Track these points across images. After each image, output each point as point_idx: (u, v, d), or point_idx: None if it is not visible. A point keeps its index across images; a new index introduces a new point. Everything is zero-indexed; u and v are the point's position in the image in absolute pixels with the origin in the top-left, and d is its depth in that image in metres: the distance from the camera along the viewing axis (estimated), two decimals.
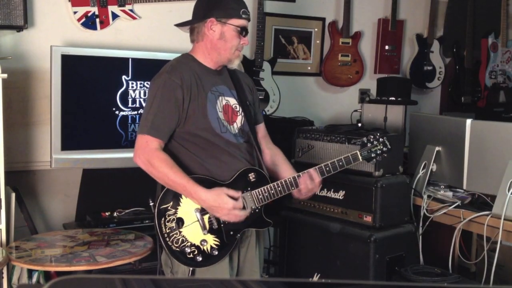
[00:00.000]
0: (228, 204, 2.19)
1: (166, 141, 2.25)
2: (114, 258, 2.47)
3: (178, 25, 2.43)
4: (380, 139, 2.37)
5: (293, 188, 2.33)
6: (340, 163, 2.35)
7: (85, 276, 0.89)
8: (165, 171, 2.18)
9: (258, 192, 2.30)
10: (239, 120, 2.38)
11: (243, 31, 2.32)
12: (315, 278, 2.91)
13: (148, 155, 2.19)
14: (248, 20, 2.35)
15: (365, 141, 2.38)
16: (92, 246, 2.63)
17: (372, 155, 2.37)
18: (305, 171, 2.33)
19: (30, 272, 2.78)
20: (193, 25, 2.37)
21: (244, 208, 2.25)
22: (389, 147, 2.39)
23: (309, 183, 2.31)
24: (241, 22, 2.31)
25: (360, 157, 2.36)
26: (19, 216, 2.95)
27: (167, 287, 0.88)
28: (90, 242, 2.70)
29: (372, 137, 2.38)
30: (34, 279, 2.78)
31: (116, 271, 2.73)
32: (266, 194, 2.30)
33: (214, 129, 2.27)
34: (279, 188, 2.31)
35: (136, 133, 2.34)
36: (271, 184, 2.32)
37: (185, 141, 2.28)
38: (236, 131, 2.35)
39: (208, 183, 2.23)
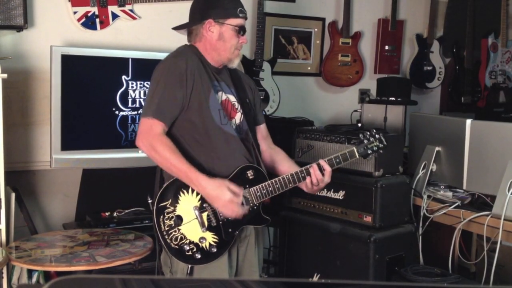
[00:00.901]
0: (225, 196, 2.18)
1: (169, 125, 2.25)
2: (114, 258, 2.48)
3: (175, 28, 2.44)
4: (376, 135, 2.38)
5: (291, 185, 2.32)
6: (337, 160, 2.35)
7: (85, 276, 0.89)
8: (167, 156, 2.17)
9: (256, 189, 2.29)
10: (238, 117, 2.38)
11: (241, 30, 2.33)
12: (315, 278, 2.91)
13: (151, 139, 2.19)
14: (245, 18, 2.36)
15: (362, 138, 2.39)
16: (92, 246, 2.63)
17: (369, 152, 2.38)
18: (313, 164, 2.33)
19: (30, 272, 2.78)
20: (190, 28, 2.37)
21: (243, 204, 2.25)
22: (385, 143, 2.40)
23: (318, 173, 2.31)
24: (238, 21, 2.32)
25: (356, 154, 2.37)
26: (19, 216, 2.95)
27: (167, 287, 0.88)
28: (90, 242, 2.70)
29: (368, 133, 2.39)
30: (34, 279, 2.78)
31: (116, 271, 2.73)
32: (264, 191, 2.30)
33: (214, 120, 2.27)
34: (277, 185, 2.31)
35: (136, 133, 2.34)
36: (269, 181, 2.31)
37: (185, 133, 2.27)
38: (234, 127, 2.35)
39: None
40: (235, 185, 2.23)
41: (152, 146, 2.18)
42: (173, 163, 2.17)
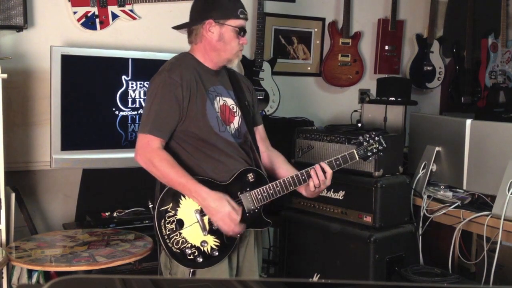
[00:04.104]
0: (225, 209, 2.19)
1: (166, 140, 2.25)
2: (114, 258, 2.48)
3: (175, 27, 2.43)
4: (376, 138, 2.38)
5: (291, 187, 2.32)
6: (337, 162, 2.35)
7: (85, 276, 0.89)
8: (166, 171, 2.18)
9: (257, 192, 2.29)
10: (236, 120, 2.38)
11: (241, 31, 2.32)
12: (315, 278, 2.91)
13: (149, 154, 2.20)
14: (246, 19, 2.35)
15: (361, 140, 2.40)
16: (92, 246, 2.63)
17: (369, 154, 2.38)
18: (314, 166, 2.32)
19: (30, 272, 2.78)
20: (190, 28, 2.36)
21: (240, 222, 2.24)
22: (385, 145, 2.39)
23: (321, 175, 2.30)
24: (239, 22, 2.31)
25: (356, 156, 2.37)
26: (19, 216, 2.95)
27: (167, 287, 0.88)
28: (90, 242, 2.70)
29: (368, 136, 2.39)
30: (34, 279, 2.78)
31: (116, 271, 2.73)
32: (265, 194, 2.30)
33: (212, 128, 2.27)
34: (278, 188, 2.31)
35: (136, 133, 2.35)
36: (270, 184, 2.31)
37: (183, 141, 2.28)
38: (233, 131, 2.35)
39: (207, 184, 2.23)
40: (235, 203, 2.23)
41: (150, 161, 2.19)
42: (172, 177, 2.18)
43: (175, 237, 2.22)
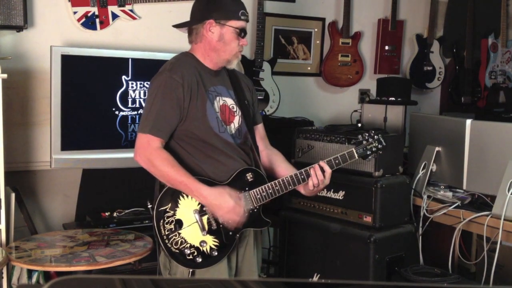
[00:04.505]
0: (229, 203, 2.19)
1: (166, 140, 2.25)
2: (114, 258, 2.48)
3: (176, 26, 2.43)
4: (375, 136, 2.39)
5: (290, 187, 2.32)
6: (337, 161, 2.35)
7: (85, 276, 0.89)
8: (166, 170, 2.18)
9: (256, 192, 2.30)
10: (237, 120, 2.38)
11: (241, 32, 2.32)
12: (315, 278, 2.91)
13: (149, 154, 2.19)
14: (247, 21, 2.35)
15: (361, 139, 2.40)
16: (92, 246, 2.63)
17: (368, 153, 2.38)
18: (313, 165, 2.33)
19: (30, 272, 2.78)
20: (191, 27, 2.36)
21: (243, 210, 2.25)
22: (384, 144, 2.40)
23: (320, 174, 2.31)
24: (240, 23, 2.31)
25: (356, 155, 2.37)
26: (19, 216, 2.95)
27: (167, 287, 0.88)
28: (90, 242, 2.70)
29: (367, 134, 2.39)
30: (34, 279, 2.78)
31: (116, 271, 2.73)
32: (264, 194, 2.30)
33: (212, 129, 2.27)
34: (277, 188, 2.31)
35: (136, 133, 2.34)
36: (269, 184, 2.32)
37: (183, 141, 2.28)
38: (233, 131, 2.35)
39: (206, 184, 2.23)
40: (234, 191, 2.24)
41: (150, 160, 2.19)
42: (172, 176, 2.18)
43: (174, 237, 2.22)
